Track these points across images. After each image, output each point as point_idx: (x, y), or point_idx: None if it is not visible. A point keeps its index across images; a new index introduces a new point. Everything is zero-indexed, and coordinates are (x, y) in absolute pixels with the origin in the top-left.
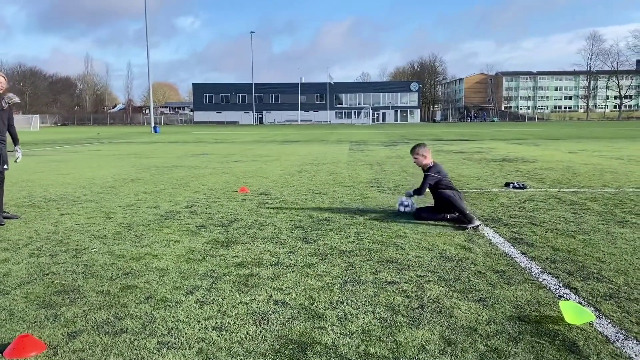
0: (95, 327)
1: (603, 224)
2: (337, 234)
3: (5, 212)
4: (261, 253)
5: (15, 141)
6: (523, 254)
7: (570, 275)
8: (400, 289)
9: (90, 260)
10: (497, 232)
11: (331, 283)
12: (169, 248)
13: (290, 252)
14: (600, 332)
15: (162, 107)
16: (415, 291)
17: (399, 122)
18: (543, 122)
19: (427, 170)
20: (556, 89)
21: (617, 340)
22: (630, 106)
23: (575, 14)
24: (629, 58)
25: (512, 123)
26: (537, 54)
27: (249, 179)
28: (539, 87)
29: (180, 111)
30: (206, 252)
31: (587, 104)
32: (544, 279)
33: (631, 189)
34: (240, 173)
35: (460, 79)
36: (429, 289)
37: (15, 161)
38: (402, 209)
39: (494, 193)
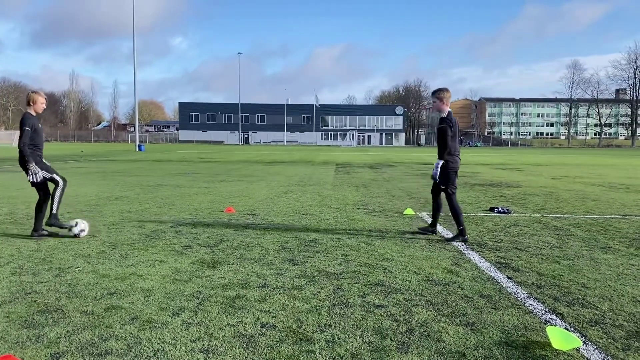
0: (80, 348)
1: (587, 250)
2: (324, 255)
3: (43, 229)
4: (248, 274)
5: None
6: (509, 278)
7: (556, 301)
8: (389, 313)
9: (74, 280)
10: (483, 257)
11: (319, 306)
12: (155, 268)
13: (278, 273)
14: (587, 358)
15: (148, 125)
16: (404, 315)
17: (384, 144)
18: (525, 148)
19: (441, 121)
20: (538, 115)
21: None
22: (610, 134)
23: (561, 44)
24: (608, 87)
25: (495, 148)
26: (521, 81)
27: (235, 199)
28: (522, 114)
29: (165, 130)
30: (192, 272)
31: (569, 131)
32: (530, 304)
33: (613, 216)
34: (226, 193)
35: None
36: (417, 313)
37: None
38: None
39: (479, 217)
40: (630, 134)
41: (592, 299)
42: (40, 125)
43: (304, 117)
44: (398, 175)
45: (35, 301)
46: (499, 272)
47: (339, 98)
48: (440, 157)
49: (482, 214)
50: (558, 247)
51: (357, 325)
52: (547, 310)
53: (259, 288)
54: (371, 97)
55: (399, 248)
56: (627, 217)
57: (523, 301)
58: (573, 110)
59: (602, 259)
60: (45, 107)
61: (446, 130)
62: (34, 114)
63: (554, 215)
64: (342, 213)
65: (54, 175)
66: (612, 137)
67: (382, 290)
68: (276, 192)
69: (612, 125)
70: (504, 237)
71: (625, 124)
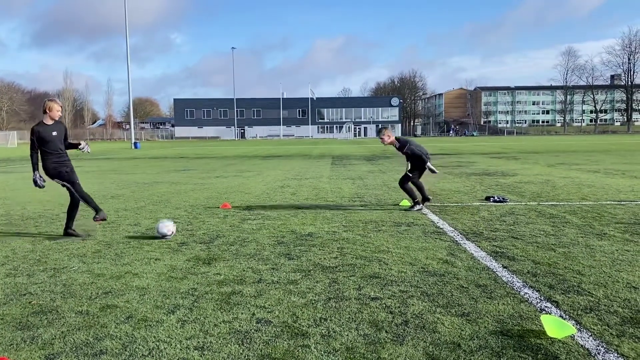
0: (74, 348)
1: (582, 237)
2: (320, 249)
3: (72, 229)
4: (243, 270)
5: (73, 146)
6: (504, 267)
7: (551, 289)
8: (384, 305)
9: (69, 280)
10: (479, 246)
11: (314, 300)
12: (150, 266)
13: (273, 268)
14: (581, 346)
15: (143, 122)
16: (399, 307)
17: None
18: (521, 136)
19: (401, 147)
20: (534, 103)
21: (599, 353)
22: (605, 120)
23: (557, 31)
24: (603, 73)
25: (491, 137)
26: (517, 68)
27: (231, 194)
28: (517, 102)
29: (161, 126)
30: (187, 269)
31: (564, 118)
32: (526, 293)
33: (608, 202)
34: (222, 189)
35: (440, 94)
36: (412, 304)
37: (85, 150)
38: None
39: (475, 207)
40: (625, 119)
41: (587, 285)
42: (54, 133)
43: (299, 110)
44: (395, 166)
45: (30, 302)
46: (494, 261)
47: (336, 91)
48: (429, 160)
49: (478, 204)
50: (553, 234)
51: (352, 318)
52: (542, 298)
53: (254, 283)
54: (366, 89)
55: (394, 240)
56: (622, 202)
57: (518, 290)
58: (568, 97)
59: (597, 245)
60: (60, 114)
61: (412, 149)
62: (49, 122)
63: (550, 203)
64: (338, 206)
65: (66, 184)
66: (607, 123)
67: (378, 283)
68: (272, 186)
69: (608, 111)
70: (500, 226)
71: (621, 109)
